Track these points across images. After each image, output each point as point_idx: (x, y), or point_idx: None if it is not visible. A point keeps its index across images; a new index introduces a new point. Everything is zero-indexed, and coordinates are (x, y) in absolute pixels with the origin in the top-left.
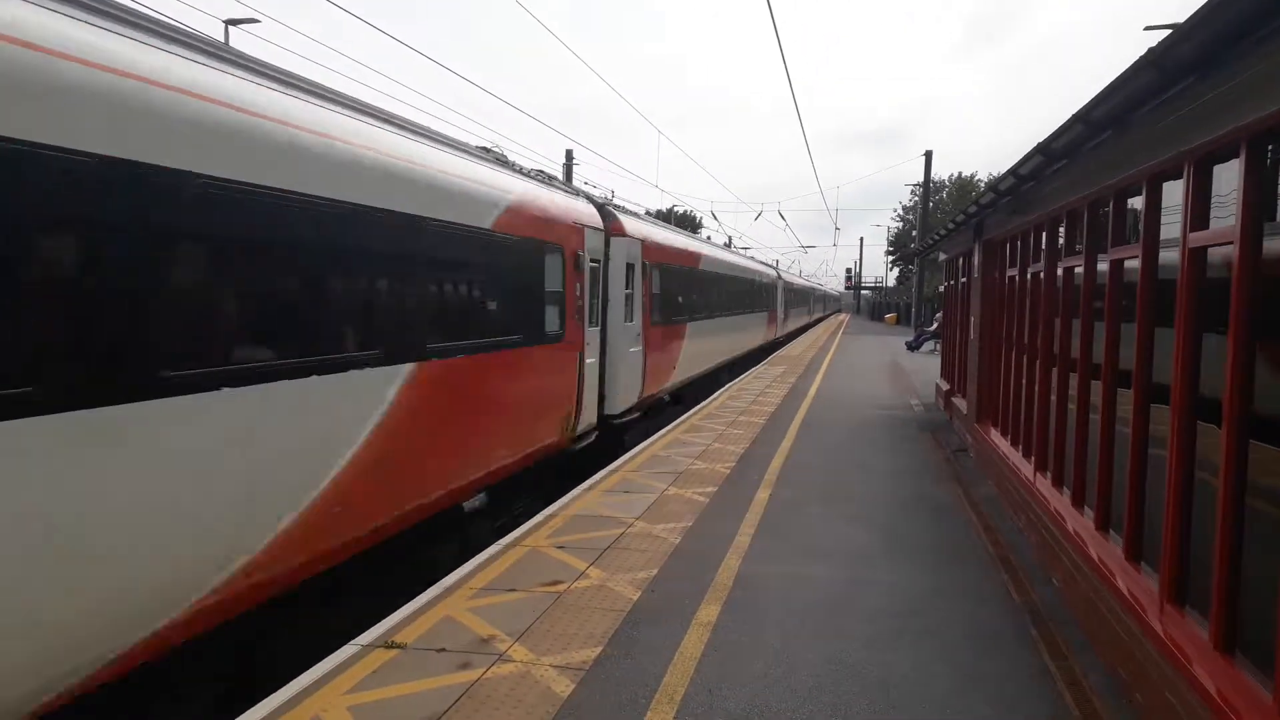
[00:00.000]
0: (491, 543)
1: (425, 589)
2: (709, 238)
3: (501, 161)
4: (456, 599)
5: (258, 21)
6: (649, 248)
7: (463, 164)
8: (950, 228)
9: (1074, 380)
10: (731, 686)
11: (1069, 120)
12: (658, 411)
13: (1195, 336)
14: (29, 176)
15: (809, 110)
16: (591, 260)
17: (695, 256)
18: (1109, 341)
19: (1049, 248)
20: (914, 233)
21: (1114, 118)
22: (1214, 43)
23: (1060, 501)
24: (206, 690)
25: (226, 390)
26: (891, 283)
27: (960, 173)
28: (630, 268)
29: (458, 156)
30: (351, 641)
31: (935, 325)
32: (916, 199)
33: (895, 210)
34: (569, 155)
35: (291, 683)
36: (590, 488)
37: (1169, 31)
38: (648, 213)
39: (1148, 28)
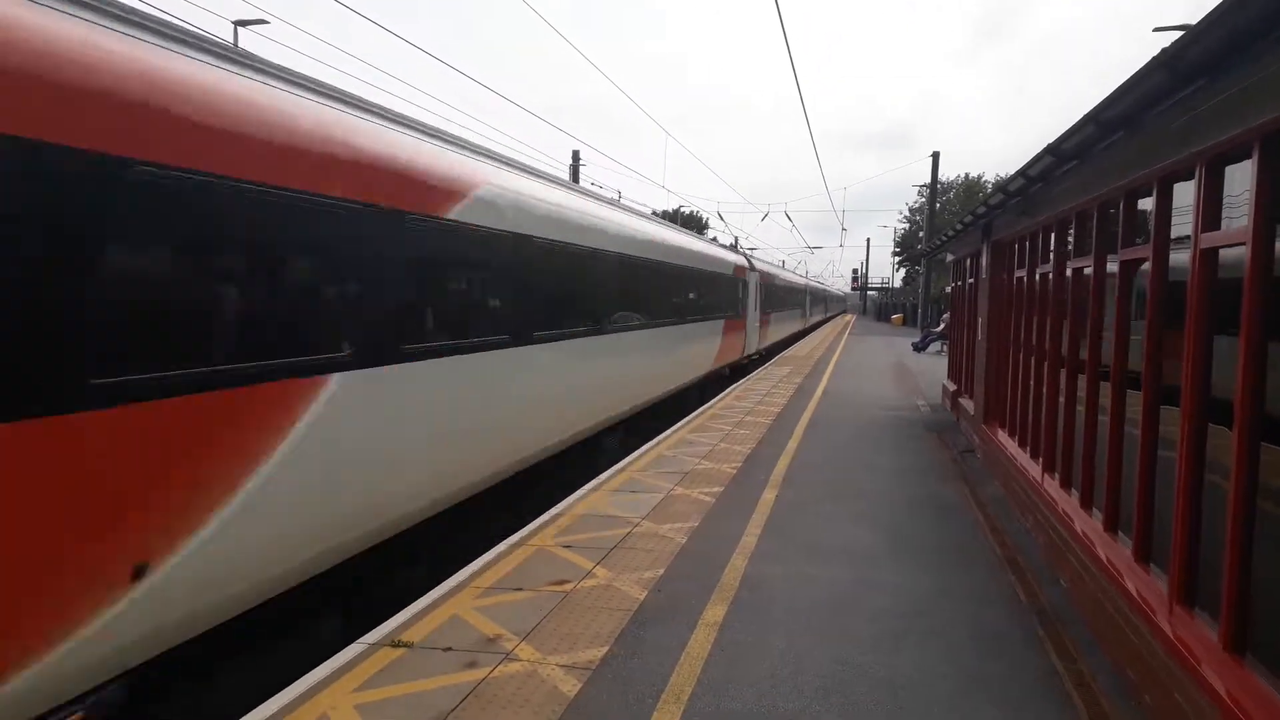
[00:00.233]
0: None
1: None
2: (734, 243)
3: (725, 245)
4: (463, 598)
5: (267, 23)
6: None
7: (717, 250)
8: (958, 228)
9: (1083, 381)
10: (738, 686)
11: (1080, 121)
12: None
13: (1206, 338)
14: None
15: (814, 109)
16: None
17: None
18: (1118, 343)
19: (1058, 249)
20: (921, 234)
21: (1126, 118)
22: (1227, 44)
23: (1068, 502)
24: (214, 687)
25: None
26: (898, 284)
27: (968, 174)
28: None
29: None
30: (358, 640)
31: (941, 326)
32: (923, 200)
33: (901, 212)
34: (575, 156)
35: (298, 681)
36: (596, 487)
37: (1179, 33)
38: (654, 213)
39: (1157, 29)
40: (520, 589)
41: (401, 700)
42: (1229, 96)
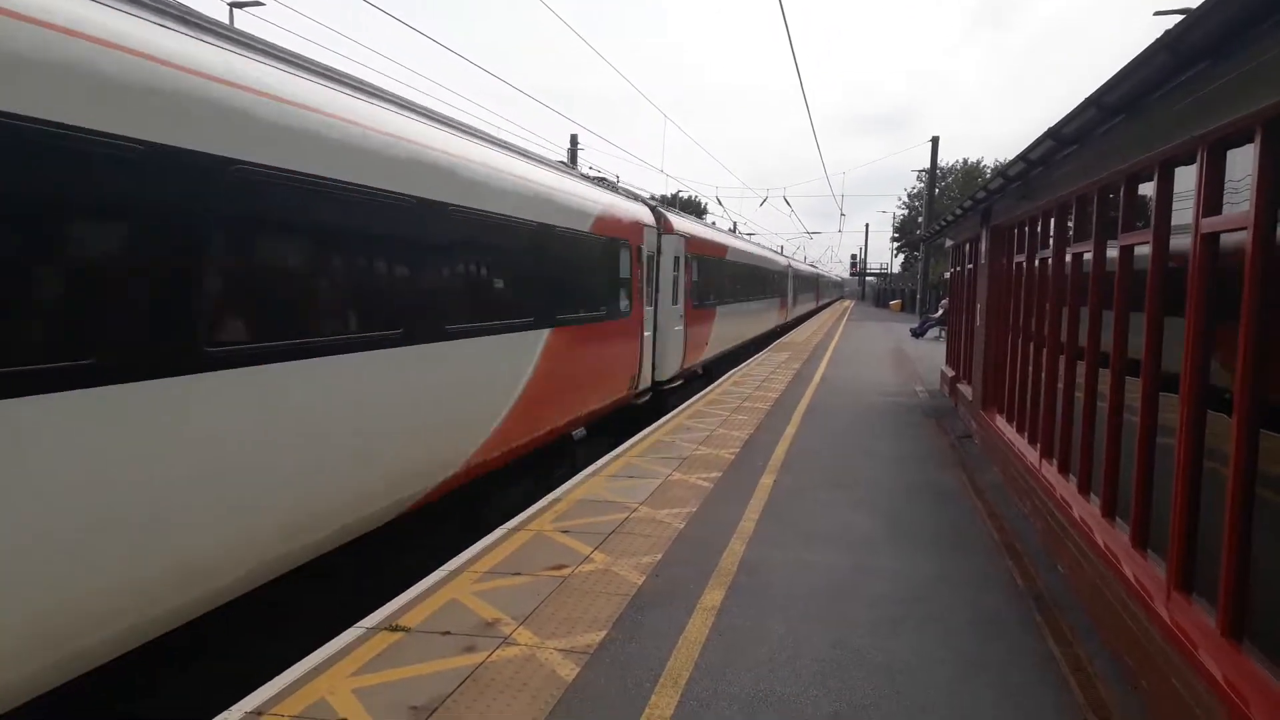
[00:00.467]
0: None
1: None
2: (733, 227)
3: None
4: (461, 582)
5: (262, 4)
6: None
7: (778, 256)
8: (958, 213)
9: (1081, 367)
10: (736, 671)
11: (1081, 104)
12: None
13: (1206, 323)
14: None
15: (814, 95)
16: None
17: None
18: (1117, 328)
19: (1058, 234)
20: (919, 219)
21: (1127, 102)
22: (1231, 26)
23: (1066, 488)
24: (213, 671)
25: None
26: (896, 269)
27: (966, 159)
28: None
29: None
30: (357, 624)
31: (940, 312)
32: (922, 185)
33: (900, 198)
34: (574, 140)
35: (296, 665)
36: (595, 473)
37: (1180, 17)
38: (652, 197)
39: (1157, 13)
40: (519, 573)
41: (399, 684)
42: (1231, 80)
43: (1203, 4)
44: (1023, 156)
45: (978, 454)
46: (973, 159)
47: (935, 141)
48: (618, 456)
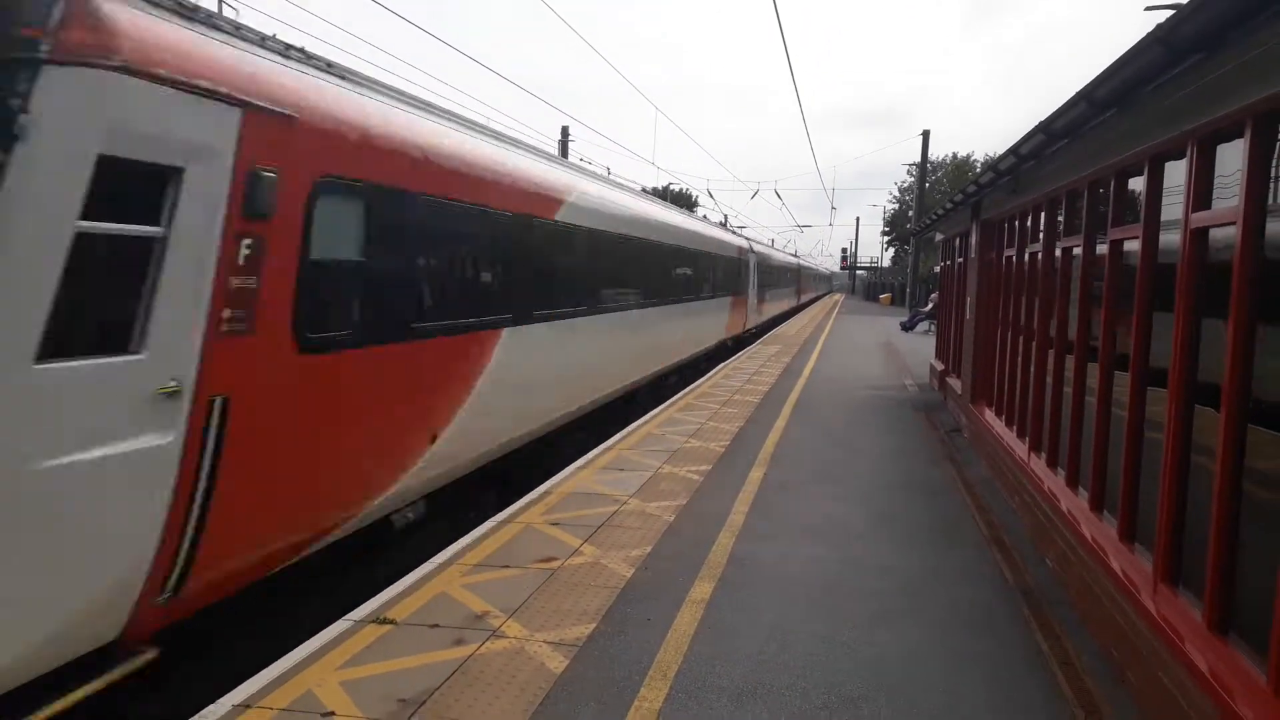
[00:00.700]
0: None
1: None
2: (724, 220)
3: (722, 225)
4: (450, 575)
5: None
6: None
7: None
8: (948, 207)
9: (1070, 361)
10: (725, 664)
11: (1072, 98)
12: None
13: (1195, 318)
14: None
15: (806, 91)
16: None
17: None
18: (1106, 323)
19: (1048, 228)
20: (910, 213)
21: (1118, 96)
22: (1225, 19)
23: (1054, 482)
24: (199, 663)
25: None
26: (887, 263)
27: (956, 153)
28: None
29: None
30: (344, 617)
31: (930, 306)
32: (913, 179)
33: (891, 192)
34: (565, 132)
35: (284, 657)
36: (584, 465)
37: (1170, 12)
38: (644, 190)
39: (1149, 8)
40: (508, 566)
41: (388, 677)
42: (1222, 74)
43: None
44: (1013, 150)
45: (967, 448)
46: (962, 154)
47: (926, 135)
48: (608, 449)
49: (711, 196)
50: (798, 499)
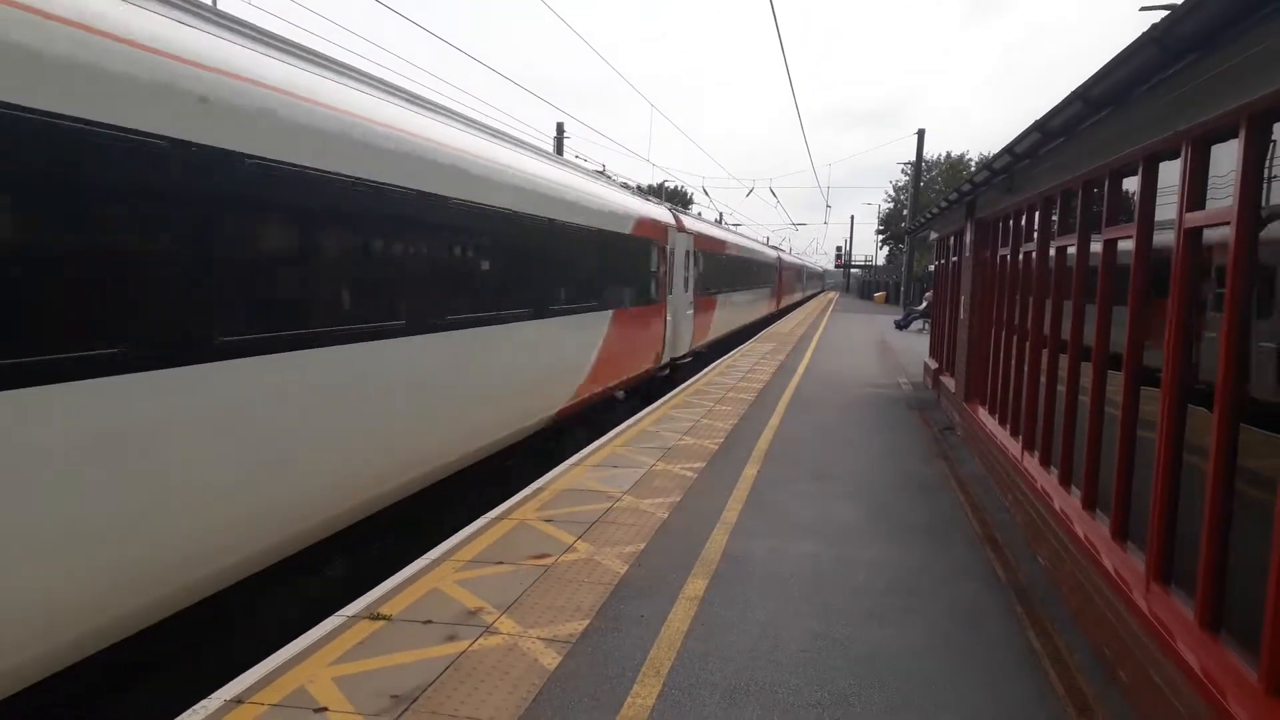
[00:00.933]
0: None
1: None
2: (719, 218)
3: (624, 186)
4: (444, 571)
5: None
6: (697, 238)
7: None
8: (943, 206)
9: (1064, 361)
10: (718, 660)
11: (1068, 97)
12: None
13: (1188, 317)
14: None
15: (801, 90)
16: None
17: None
18: (1100, 322)
19: (1042, 227)
20: (905, 212)
21: (1113, 95)
22: (1221, 18)
23: (1047, 480)
24: (192, 659)
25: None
26: (881, 261)
27: (950, 152)
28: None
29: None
30: (337, 613)
31: (924, 304)
32: (908, 178)
33: (887, 192)
34: (560, 128)
35: (276, 653)
36: (578, 462)
37: (1165, 12)
38: (639, 187)
39: (1144, 8)
40: (501, 562)
41: (380, 673)
42: (1217, 74)
43: None
44: (1008, 149)
45: (960, 446)
46: (956, 153)
47: (921, 134)
48: (602, 446)
49: (707, 194)
50: (791, 496)
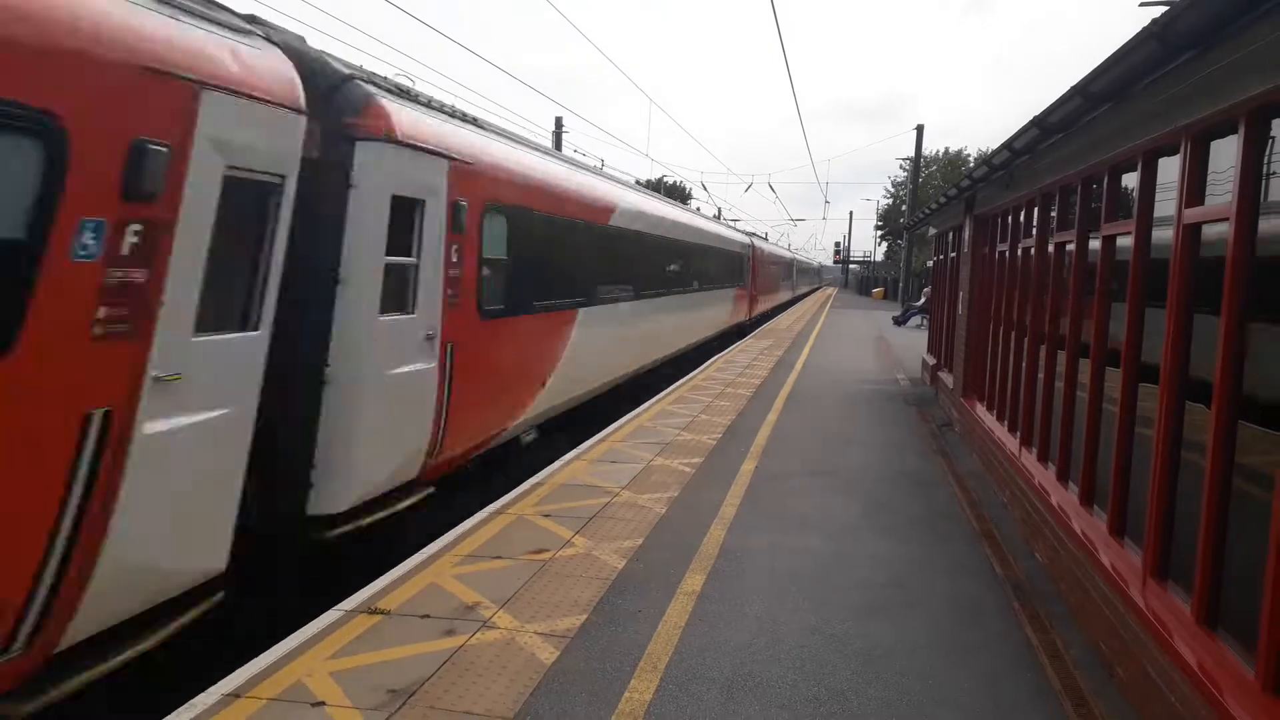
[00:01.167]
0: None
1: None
2: (718, 214)
3: (730, 223)
4: (441, 565)
5: None
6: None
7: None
8: (941, 202)
9: (1062, 357)
10: (715, 655)
11: (1067, 93)
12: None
13: (1187, 314)
14: None
15: (801, 82)
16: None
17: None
18: (1098, 318)
19: (1041, 223)
20: (903, 208)
21: (1113, 90)
22: (1218, 15)
23: (1045, 476)
24: (189, 652)
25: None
26: (879, 258)
27: (948, 148)
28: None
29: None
30: (335, 607)
31: (922, 300)
32: (906, 174)
33: (886, 188)
34: (558, 122)
35: (274, 647)
36: (577, 457)
37: (1165, 8)
38: (637, 182)
39: (1143, 4)
40: (499, 557)
41: (378, 667)
42: (1217, 70)
43: None
44: (1007, 145)
45: (958, 442)
46: (954, 148)
47: (920, 130)
48: (601, 441)
49: (705, 189)
50: (789, 491)
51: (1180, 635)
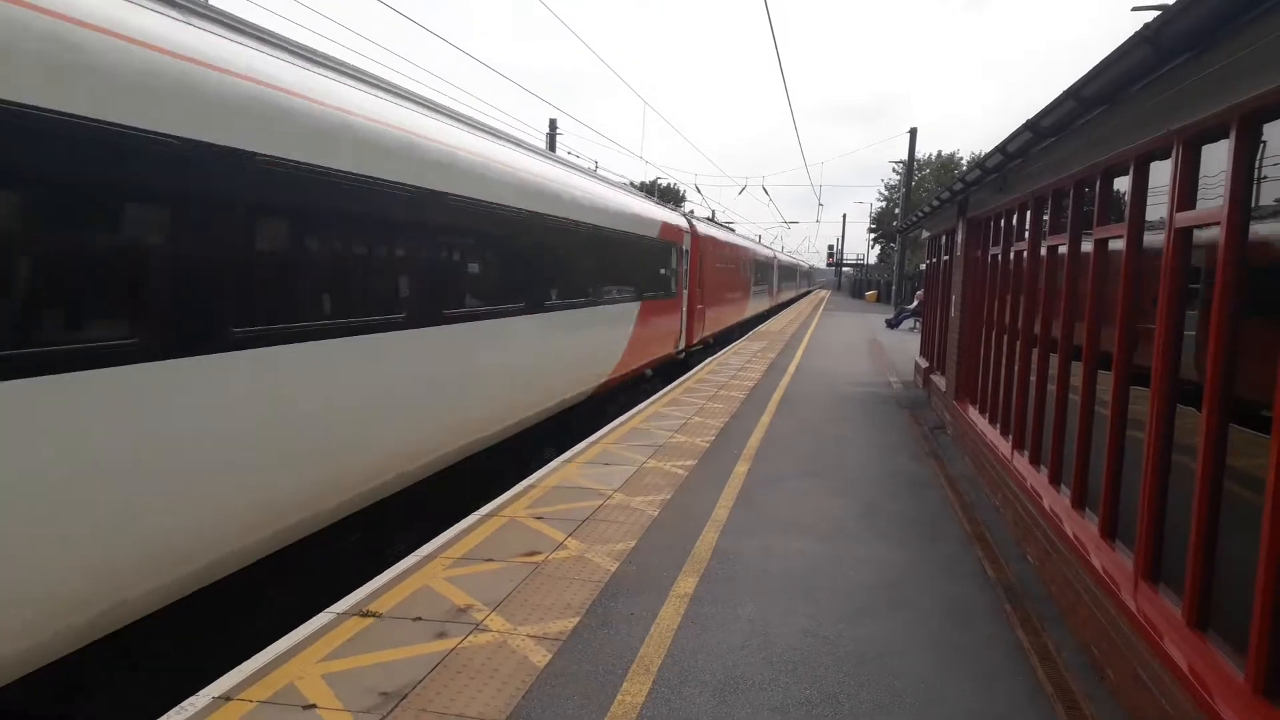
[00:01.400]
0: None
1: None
2: (711, 215)
3: (649, 195)
4: (434, 568)
5: None
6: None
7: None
8: (934, 205)
9: (1054, 360)
10: (708, 658)
11: (1060, 96)
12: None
13: (1178, 317)
14: None
15: (794, 84)
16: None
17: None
18: (1090, 321)
19: (1033, 226)
20: (897, 210)
21: (1105, 95)
22: (1210, 19)
23: (1037, 479)
24: (178, 657)
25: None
26: (873, 260)
27: (940, 151)
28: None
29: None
30: (326, 609)
31: (915, 303)
32: (899, 177)
33: (879, 190)
34: (553, 124)
35: (265, 650)
36: (570, 459)
37: (1157, 13)
38: (631, 184)
39: (1135, 8)
40: (491, 560)
41: (370, 670)
42: (1208, 74)
43: None
44: (1000, 148)
45: (950, 445)
46: (947, 151)
47: (913, 133)
48: (593, 443)
49: (700, 191)
50: (782, 494)
51: (1171, 637)
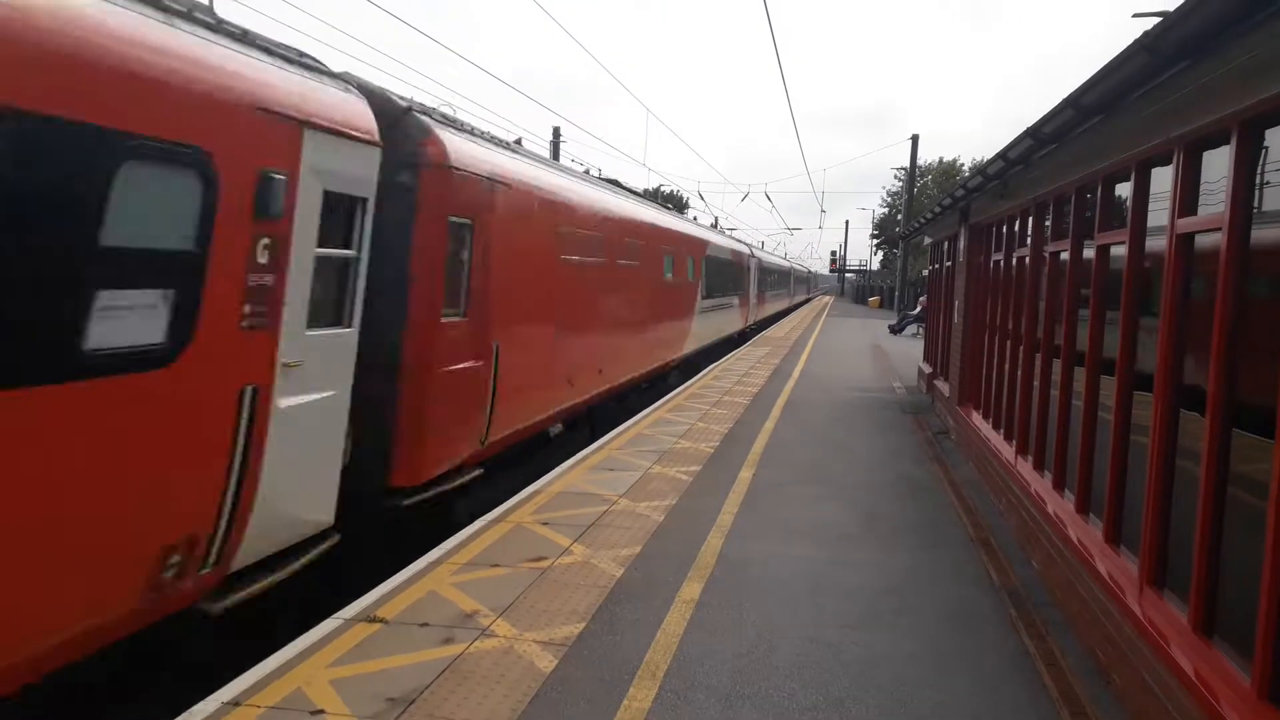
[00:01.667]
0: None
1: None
2: (714, 222)
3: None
4: (440, 574)
5: None
6: (758, 260)
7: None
8: (937, 211)
9: (1057, 365)
10: (713, 664)
11: (1060, 104)
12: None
13: (1180, 322)
14: None
15: (796, 91)
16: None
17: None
18: (1093, 326)
19: (1035, 233)
20: (899, 217)
21: (1105, 102)
22: (1209, 26)
23: (1041, 484)
24: (189, 661)
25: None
26: (876, 266)
27: (942, 158)
28: (756, 269)
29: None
30: (334, 615)
31: (918, 309)
32: (901, 184)
33: (882, 197)
34: (556, 132)
35: (274, 655)
36: (575, 465)
37: (1159, 19)
38: (632, 192)
39: (1136, 15)
40: (498, 565)
41: (377, 675)
42: (1208, 81)
43: (1184, 3)
44: (1002, 155)
45: (954, 450)
46: (948, 158)
47: (915, 140)
48: (599, 449)
49: (702, 198)
50: (786, 499)
51: (1176, 643)
